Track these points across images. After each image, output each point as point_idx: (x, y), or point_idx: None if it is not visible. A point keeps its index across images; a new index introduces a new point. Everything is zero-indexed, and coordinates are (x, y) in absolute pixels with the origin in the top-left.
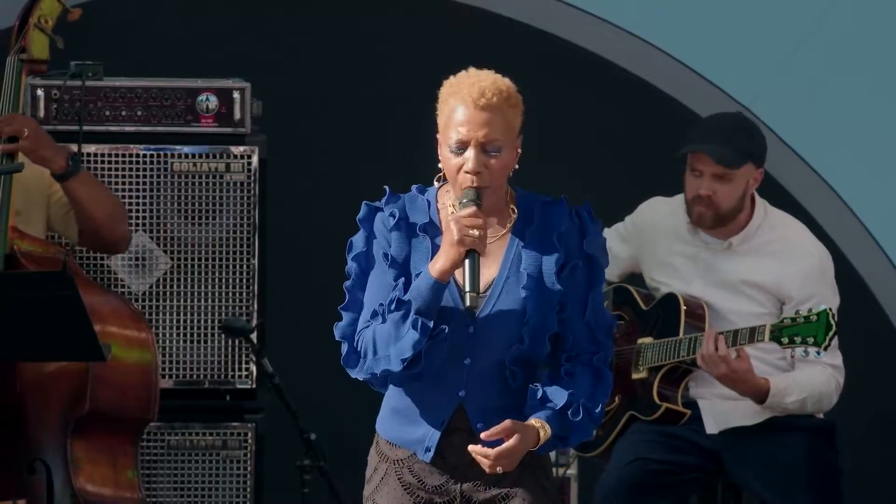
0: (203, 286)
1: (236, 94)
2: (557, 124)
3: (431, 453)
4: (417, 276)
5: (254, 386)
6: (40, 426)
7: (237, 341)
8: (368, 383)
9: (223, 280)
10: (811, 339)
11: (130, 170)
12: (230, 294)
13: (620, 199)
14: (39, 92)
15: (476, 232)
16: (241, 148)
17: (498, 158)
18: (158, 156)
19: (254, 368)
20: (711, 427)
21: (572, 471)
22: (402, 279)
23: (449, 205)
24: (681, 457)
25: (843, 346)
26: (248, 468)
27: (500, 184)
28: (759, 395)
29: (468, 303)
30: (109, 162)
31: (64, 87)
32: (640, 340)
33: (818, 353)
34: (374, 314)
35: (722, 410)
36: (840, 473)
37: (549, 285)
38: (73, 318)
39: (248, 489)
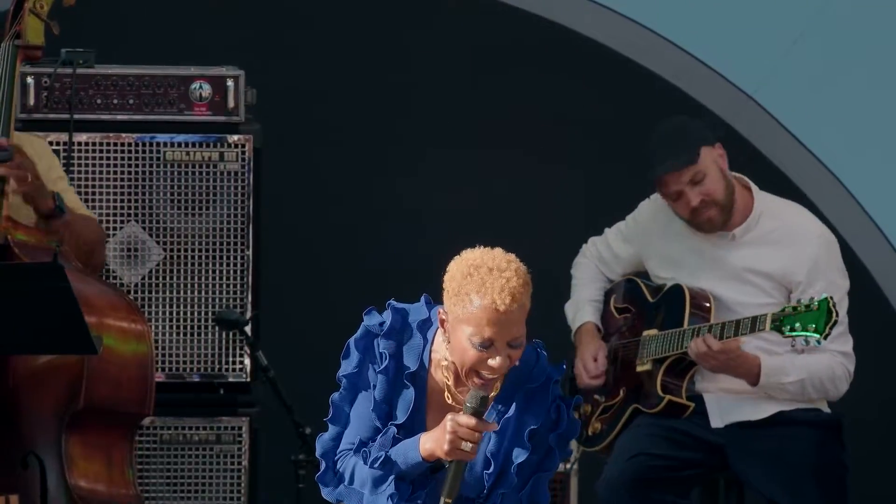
0: (196, 277)
1: (230, 82)
2: (559, 114)
3: None
4: (397, 426)
5: (248, 379)
6: (34, 420)
7: (231, 334)
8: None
9: (217, 271)
10: (812, 328)
11: (122, 159)
12: (224, 286)
13: (622, 191)
14: (30, 80)
15: (469, 445)
16: (235, 137)
17: (520, 348)
18: (151, 145)
19: (248, 361)
20: (716, 421)
21: (574, 466)
22: (391, 431)
23: (443, 358)
24: (683, 452)
25: None
26: (243, 463)
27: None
28: (752, 374)
29: None
30: (101, 151)
31: (55, 74)
32: (645, 332)
33: (818, 341)
34: (360, 446)
35: (727, 404)
36: (846, 470)
37: (510, 472)
38: (64, 311)
39: (243, 484)
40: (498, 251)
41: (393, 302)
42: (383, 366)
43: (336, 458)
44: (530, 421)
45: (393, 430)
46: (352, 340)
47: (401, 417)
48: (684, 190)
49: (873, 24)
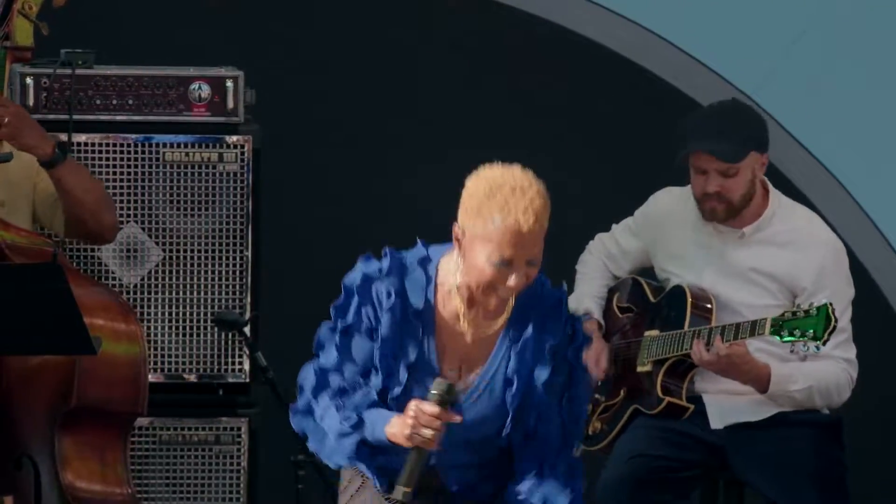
0: (195, 278)
1: (229, 83)
2: (558, 115)
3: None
4: (408, 366)
5: (247, 380)
6: (27, 421)
7: (230, 335)
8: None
9: (216, 272)
10: (810, 333)
11: (121, 159)
12: (223, 286)
13: (621, 190)
14: (29, 80)
15: (429, 433)
16: (234, 137)
17: (536, 266)
18: (150, 145)
19: (247, 362)
20: (716, 422)
21: None
22: (371, 395)
23: (452, 287)
24: (683, 452)
25: None
26: (242, 464)
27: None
28: (761, 380)
29: (397, 497)
30: (100, 151)
31: (54, 75)
32: (646, 333)
33: (817, 347)
34: (340, 394)
35: (727, 405)
36: (845, 470)
37: (536, 393)
38: (63, 311)
39: (242, 485)
40: (517, 169)
41: (388, 248)
42: (389, 304)
43: (314, 393)
44: (548, 338)
45: (373, 394)
46: (349, 283)
47: (411, 356)
48: (710, 172)
49: (873, 24)
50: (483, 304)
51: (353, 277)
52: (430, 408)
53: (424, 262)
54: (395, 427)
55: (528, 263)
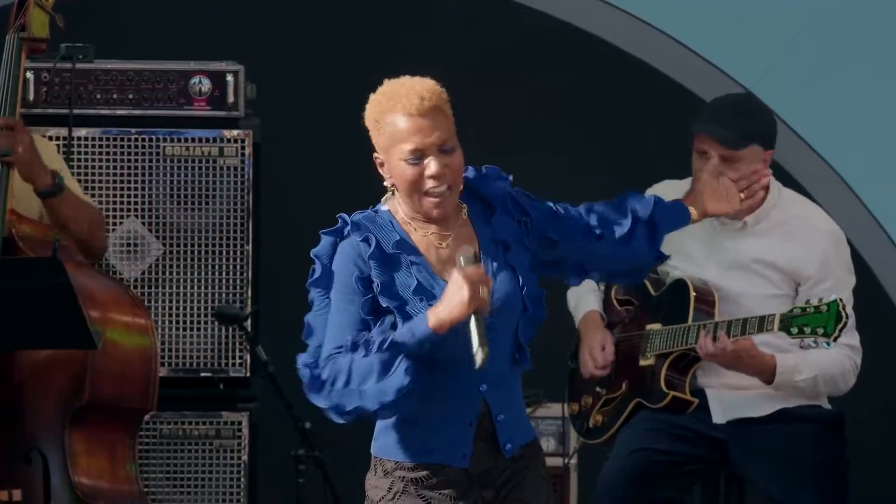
0: (196, 272)
1: (230, 77)
2: (559, 108)
3: (468, 458)
4: (401, 304)
5: (248, 374)
6: (37, 416)
7: (231, 329)
8: (327, 412)
9: (216, 266)
10: (821, 330)
11: (122, 154)
12: (224, 281)
13: (623, 185)
14: (29, 74)
15: (485, 290)
16: (235, 132)
17: (454, 156)
18: (150, 140)
19: (248, 356)
20: (718, 417)
21: (573, 460)
22: (388, 320)
23: (410, 220)
24: (685, 447)
25: None
26: (242, 458)
27: (460, 182)
28: (767, 372)
29: (478, 362)
30: (100, 146)
31: (54, 69)
32: (648, 327)
33: (828, 343)
34: (355, 346)
35: (730, 400)
36: (847, 466)
37: (521, 248)
38: (63, 305)
39: (242, 479)
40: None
41: (341, 214)
42: (370, 251)
43: (323, 364)
44: (496, 199)
45: (390, 319)
46: (317, 253)
47: (412, 283)
48: (713, 157)
49: (873, 19)
50: (426, 210)
51: (319, 248)
52: (476, 268)
53: (376, 212)
54: (443, 308)
55: (442, 151)
